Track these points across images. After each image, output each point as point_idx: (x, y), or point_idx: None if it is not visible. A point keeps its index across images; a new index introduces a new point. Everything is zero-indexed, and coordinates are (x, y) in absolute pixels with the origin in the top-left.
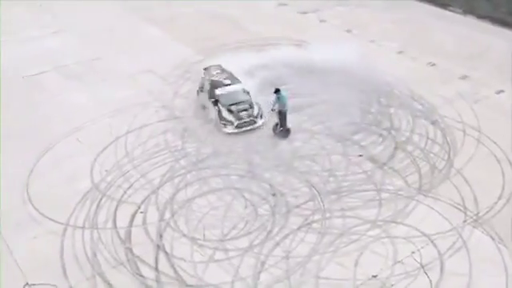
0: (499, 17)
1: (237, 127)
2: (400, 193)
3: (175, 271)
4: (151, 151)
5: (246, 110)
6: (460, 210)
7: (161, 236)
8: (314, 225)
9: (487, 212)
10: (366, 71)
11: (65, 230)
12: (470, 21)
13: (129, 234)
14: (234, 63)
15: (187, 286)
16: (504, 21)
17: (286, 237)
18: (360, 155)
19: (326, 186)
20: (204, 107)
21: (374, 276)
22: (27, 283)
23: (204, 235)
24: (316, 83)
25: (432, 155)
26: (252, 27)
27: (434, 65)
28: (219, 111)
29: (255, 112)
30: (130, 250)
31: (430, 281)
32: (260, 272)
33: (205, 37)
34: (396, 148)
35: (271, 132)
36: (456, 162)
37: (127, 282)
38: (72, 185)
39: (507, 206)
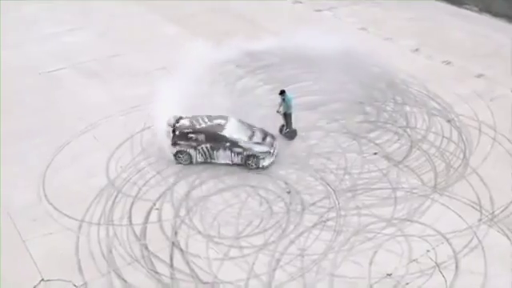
0: None
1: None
2: (415, 191)
3: (190, 268)
4: (167, 149)
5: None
6: (475, 208)
7: (176, 233)
8: (329, 223)
9: (503, 211)
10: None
11: (80, 226)
12: (486, 19)
13: (144, 230)
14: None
15: (202, 283)
16: None
17: (300, 234)
18: (375, 153)
19: (341, 184)
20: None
21: (389, 274)
22: (42, 279)
23: (219, 232)
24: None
25: (447, 154)
26: (267, 24)
27: (449, 63)
28: (244, 150)
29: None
30: (145, 246)
31: (445, 279)
32: (275, 269)
33: (221, 34)
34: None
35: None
36: (471, 160)
37: (142, 278)
38: (88, 181)
39: None
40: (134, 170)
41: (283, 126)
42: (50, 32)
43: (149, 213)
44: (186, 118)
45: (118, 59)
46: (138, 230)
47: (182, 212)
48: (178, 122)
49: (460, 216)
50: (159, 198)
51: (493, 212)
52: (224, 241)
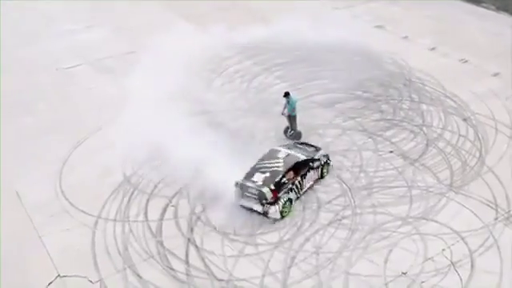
0: None
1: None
2: (431, 189)
3: (205, 265)
4: (183, 145)
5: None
6: (491, 207)
7: (192, 230)
8: (345, 220)
9: None
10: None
11: (96, 222)
12: (503, 17)
13: (160, 227)
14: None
15: (217, 279)
16: None
17: (316, 232)
18: (391, 151)
19: (357, 182)
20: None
21: (404, 273)
22: (59, 275)
23: (234, 230)
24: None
25: (463, 152)
26: (284, 23)
27: (466, 61)
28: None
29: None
30: (161, 243)
31: (461, 278)
32: (290, 267)
33: (237, 31)
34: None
35: (302, 129)
36: (487, 159)
37: (157, 275)
38: (104, 178)
39: None
40: (150, 166)
41: (287, 127)
42: (66, 29)
43: (165, 209)
44: (251, 174)
45: (133, 56)
46: (153, 226)
47: (198, 209)
48: (252, 181)
49: (476, 215)
50: (175, 194)
51: (509, 211)
52: (239, 238)
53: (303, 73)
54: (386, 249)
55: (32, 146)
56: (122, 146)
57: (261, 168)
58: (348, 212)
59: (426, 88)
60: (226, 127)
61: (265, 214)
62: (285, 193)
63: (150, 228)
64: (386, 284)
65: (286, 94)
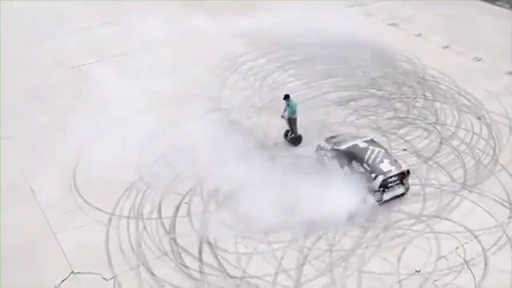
0: None
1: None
2: (444, 188)
3: (219, 262)
4: (196, 143)
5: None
6: (505, 206)
7: (205, 227)
8: (358, 219)
9: None
10: None
11: (110, 219)
12: None
13: (173, 224)
14: None
15: (230, 277)
16: None
17: (329, 230)
18: (404, 149)
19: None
20: None
21: (417, 271)
22: (72, 271)
23: (247, 227)
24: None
25: (477, 150)
26: (298, 19)
27: (480, 59)
28: None
29: None
30: (175, 240)
31: (474, 277)
32: (303, 265)
33: (251, 29)
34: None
35: (315, 127)
36: (501, 157)
37: (171, 272)
38: (118, 175)
39: None
40: (163, 163)
41: (288, 131)
42: (81, 26)
43: (178, 207)
44: (375, 168)
45: (148, 53)
46: (167, 223)
47: (212, 206)
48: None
49: (489, 213)
50: (189, 192)
51: None
52: (253, 235)
53: (317, 70)
54: (400, 247)
55: (46, 143)
56: (136, 143)
57: (372, 159)
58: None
59: (440, 86)
60: (239, 125)
61: (407, 190)
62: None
63: (163, 225)
64: (400, 282)
65: (286, 97)
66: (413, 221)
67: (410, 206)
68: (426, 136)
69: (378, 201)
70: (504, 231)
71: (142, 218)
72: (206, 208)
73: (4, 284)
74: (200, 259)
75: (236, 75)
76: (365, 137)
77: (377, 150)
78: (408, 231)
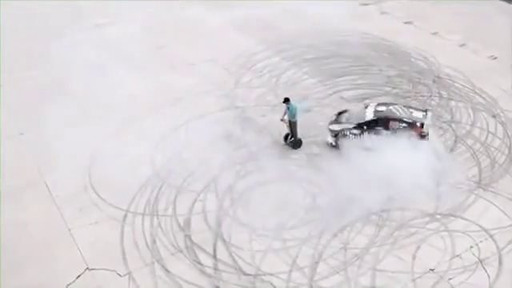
0: None
1: None
2: (459, 186)
3: (233, 259)
4: (211, 140)
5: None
6: None
7: (220, 224)
8: (373, 217)
9: None
10: None
11: (125, 216)
12: None
13: (188, 221)
14: None
15: (244, 274)
16: None
17: (344, 228)
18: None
19: None
20: None
21: (432, 269)
22: (87, 268)
23: (262, 224)
24: None
25: (492, 149)
26: (313, 17)
27: (495, 58)
28: None
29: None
30: (189, 237)
31: (488, 276)
32: (317, 262)
33: (266, 27)
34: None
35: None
36: None
37: (185, 269)
38: (133, 171)
39: None
40: (178, 160)
41: (288, 134)
42: (96, 23)
43: (193, 204)
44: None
45: (163, 50)
46: (181, 220)
47: (226, 203)
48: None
49: (504, 212)
50: (203, 189)
51: None
52: (267, 233)
53: (332, 68)
54: (414, 245)
55: (62, 139)
56: (152, 141)
57: (403, 113)
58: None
59: (455, 84)
60: (253, 122)
61: None
62: None
63: (178, 222)
64: (414, 280)
65: (286, 100)
66: (427, 219)
67: (424, 204)
68: (441, 134)
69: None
70: None
71: (157, 215)
72: (221, 205)
73: (20, 279)
74: (214, 256)
75: (251, 73)
76: (366, 104)
77: (396, 106)
78: (422, 229)
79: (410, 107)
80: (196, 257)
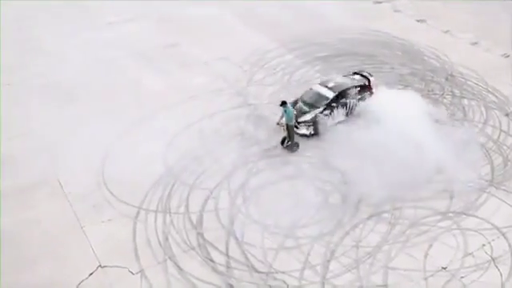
0: None
1: None
2: (472, 185)
3: (245, 257)
4: (224, 138)
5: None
6: None
7: (232, 222)
8: (385, 215)
9: None
10: None
11: (138, 213)
12: None
13: (200, 219)
14: None
15: (257, 272)
16: None
17: (356, 226)
18: None
19: None
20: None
21: (444, 268)
22: (100, 265)
23: (275, 222)
24: None
25: (505, 147)
26: (325, 16)
27: (508, 56)
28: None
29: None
30: (202, 235)
31: (501, 274)
32: (329, 260)
33: (279, 25)
34: None
35: (345, 121)
36: None
37: (197, 266)
38: (146, 169)
39: None
40: (191, 158)
41: (285, 138)
42: (110, 21)
43: (205, 201)
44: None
45: (176, 49)
46: (194, 218)
47: (239, 201)
48: None
49: None
50: (216, 186)
51: None
52: (279, 230)
53: (344, 67)
54: (426, 243)
55: (75, 136)
56: (165, 138)
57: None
58: (388, 206)
59: (468, 83)
60: (266, 120)
61: None
62: None
63: (190, 220)
64: (426, 278)
65: (283, 103)
66: (439, 217)
67: (436, 202)
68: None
69: None
70: None
71: (170, 213)
72: (233, 203)
73: (32, 276)
74: (227, 254)
75: (264, 70)
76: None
77: (339, 78)
78: (434, 228)
79: (346, 75)
80: (208, 254)
